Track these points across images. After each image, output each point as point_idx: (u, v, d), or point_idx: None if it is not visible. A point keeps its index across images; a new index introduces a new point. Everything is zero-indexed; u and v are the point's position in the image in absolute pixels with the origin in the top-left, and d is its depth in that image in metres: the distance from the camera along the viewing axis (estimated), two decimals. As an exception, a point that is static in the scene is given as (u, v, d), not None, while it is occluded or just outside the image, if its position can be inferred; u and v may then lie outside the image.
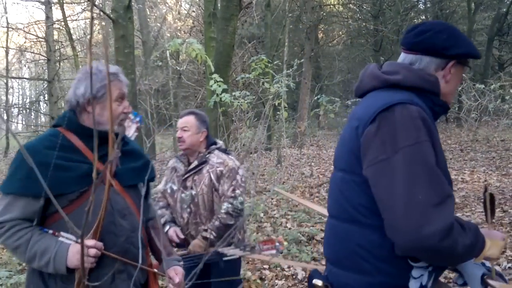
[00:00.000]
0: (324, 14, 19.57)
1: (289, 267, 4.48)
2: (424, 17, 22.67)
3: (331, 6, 21.40)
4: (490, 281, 1.42)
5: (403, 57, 1.49)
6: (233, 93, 6.73)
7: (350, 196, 1.38)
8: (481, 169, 9.19)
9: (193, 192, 2.77)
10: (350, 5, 21.59)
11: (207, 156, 2.84)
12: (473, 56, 1.47)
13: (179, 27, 18.86)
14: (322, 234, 5.34)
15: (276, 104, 7.46)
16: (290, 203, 6.87)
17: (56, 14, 16.78)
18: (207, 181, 2.77)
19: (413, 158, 1.23)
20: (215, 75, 6.02)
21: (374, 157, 1.28)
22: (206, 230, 2.74)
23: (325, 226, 1.55)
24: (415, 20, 22.25)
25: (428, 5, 22.48)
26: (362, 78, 1.52)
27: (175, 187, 2.83)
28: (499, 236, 1.41)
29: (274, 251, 2.60)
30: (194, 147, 2.82)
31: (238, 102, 6.46)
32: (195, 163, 2.81)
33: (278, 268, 4.50)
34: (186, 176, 2.81)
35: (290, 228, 5.64)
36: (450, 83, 1.47)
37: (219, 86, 5.98)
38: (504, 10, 17.71)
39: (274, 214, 6.39)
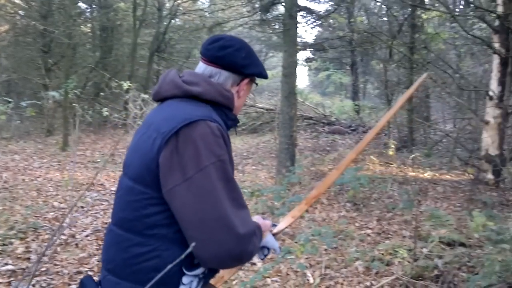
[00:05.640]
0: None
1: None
2: (91, 25, 23.35)
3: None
4: (274, 230, 1.72)
5: (203, 68, 1.55)
6: None
7: (135, 207, 1.38)
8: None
9: None
10: (17, 0, 20.12)
11: None
12: (263, 77, 1.63)
13: None
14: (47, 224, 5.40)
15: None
16: None
17: None
18: None
19: (217, 175, 1.30)
20: None
21: (178, 178, 1.29)
22: None
23: (106, 231, 1.54)
24: (82, 26, 22.69)
25: (95, 14, 23.33)
26: (161, 84, 1.53)
27: None
28: (267, 227, 1.65)
29: None
30: None
31: None
32: None
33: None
34: None
35: None
36: (242, 98, 1.62)
37: None
38: (162, 30, 20.40)
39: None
